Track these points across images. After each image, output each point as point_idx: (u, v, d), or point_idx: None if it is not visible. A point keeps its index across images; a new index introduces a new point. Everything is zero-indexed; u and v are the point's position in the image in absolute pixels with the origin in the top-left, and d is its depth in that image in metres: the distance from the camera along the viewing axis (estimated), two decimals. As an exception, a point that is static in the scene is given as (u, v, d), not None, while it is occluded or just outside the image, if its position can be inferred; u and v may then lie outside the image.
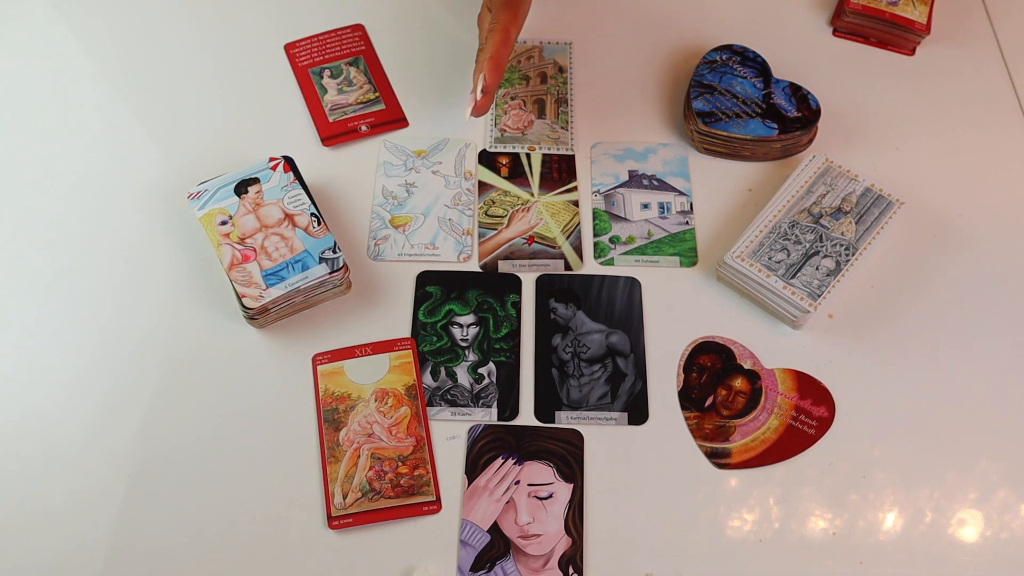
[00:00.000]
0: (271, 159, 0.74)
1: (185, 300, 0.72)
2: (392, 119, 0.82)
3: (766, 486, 0.66)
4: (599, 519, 0.64)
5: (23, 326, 0.71)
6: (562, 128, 0.82)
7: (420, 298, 0.73)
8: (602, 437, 0.67)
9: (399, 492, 0.65)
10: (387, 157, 0.80)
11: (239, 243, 0.70)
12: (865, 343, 0.71)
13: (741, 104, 0.79)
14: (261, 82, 0.84)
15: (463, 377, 0.70)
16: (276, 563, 0.63)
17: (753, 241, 0.72)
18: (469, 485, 0.65)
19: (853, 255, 0.71)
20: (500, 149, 0.80)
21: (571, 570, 0.62)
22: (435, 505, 0.65)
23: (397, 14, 0.88)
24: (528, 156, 0.80)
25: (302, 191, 0.72)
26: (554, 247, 0.76)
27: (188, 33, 0.87)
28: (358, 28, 0.87)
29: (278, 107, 0.83)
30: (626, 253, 0.75)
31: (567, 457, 0.66)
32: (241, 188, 0.72)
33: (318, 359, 0.70)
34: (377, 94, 0.83)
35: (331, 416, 0.68)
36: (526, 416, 0.68)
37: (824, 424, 0.68)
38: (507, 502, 0.65)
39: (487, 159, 0.80)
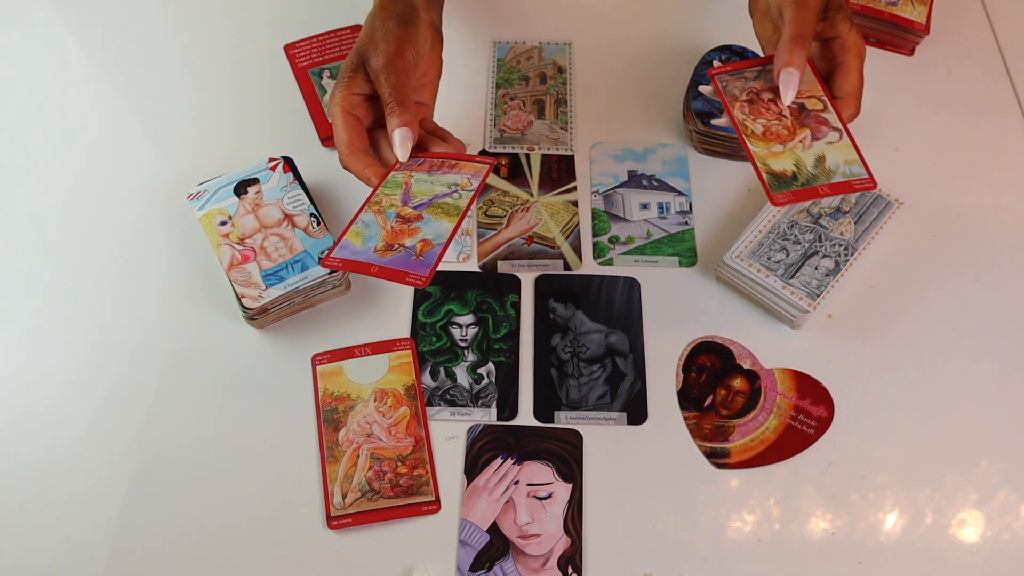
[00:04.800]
0: (271, 159, 0.74)
1: (185, 300, 0.72)
2: (392, 119, 0.81)
3: (765, 486, 0.66)
4: (598, 519, 0.64)
5: (23, 326, 0.71)
6: (561, 128, 0.82)
7: (419, 298, 0.73)
8: (601, 437, 0.67)
9: (398, 492, 0.65)
10: (387, 157, 0.80)
11: (239, 243, 0.70)
12: (864, 343, 0.71)
13: (740, 104, 0.79)
14: (261, 82, 0.84)
15: (462, 377, 0.70)
16: (276, 563, 0.63)
17: (752, 241, 0.72)
18: (468, 485, 0.65)
19: (852, 255, 0.71)
20: (499, 149, 0.80)
21: (570, 570, 0.62)
22: (434, 505, 0.65)
23: (397, 14, 0.88)
24: (527, 156, 0.80)
25: (301, 191, 0.72)
26: (553, 247, 0.76)
27: (188, 33, 0.87)
28: (358, 28, 0.87)
29: (278, 107, 0.83)
30: (625, 253, 0.75)
31: (566, 457, 0.66)
32: (240, 188, 0.72)
33: (317, 359, 0.70)
34: (377, 94, 0.83)
35: (330, 416, 0.68)
36: (525, 416, 0.68)
37: (823, 424, 0.68)
38: (506, 502, 0.65)
39: (487, 159, 0.80)
